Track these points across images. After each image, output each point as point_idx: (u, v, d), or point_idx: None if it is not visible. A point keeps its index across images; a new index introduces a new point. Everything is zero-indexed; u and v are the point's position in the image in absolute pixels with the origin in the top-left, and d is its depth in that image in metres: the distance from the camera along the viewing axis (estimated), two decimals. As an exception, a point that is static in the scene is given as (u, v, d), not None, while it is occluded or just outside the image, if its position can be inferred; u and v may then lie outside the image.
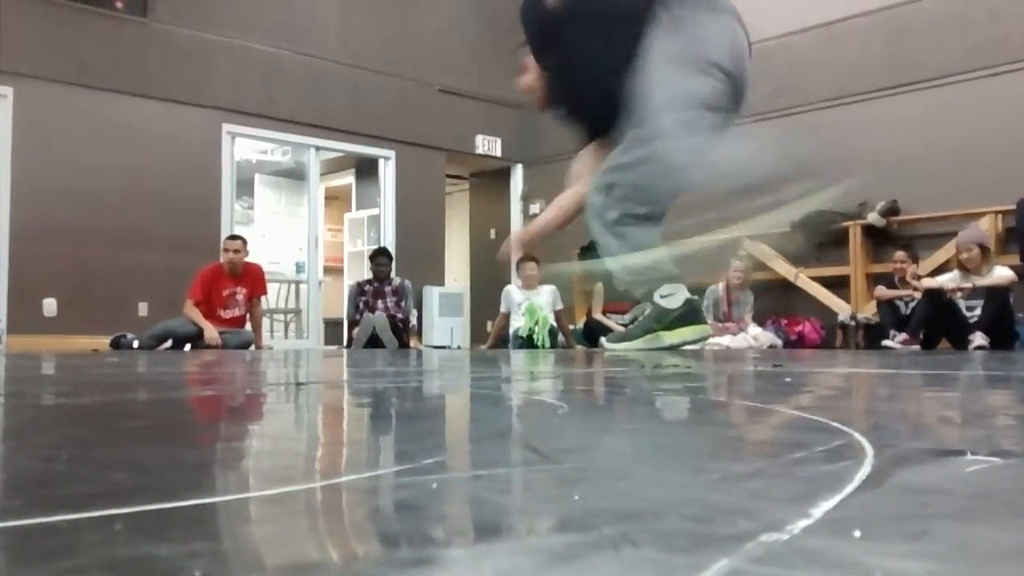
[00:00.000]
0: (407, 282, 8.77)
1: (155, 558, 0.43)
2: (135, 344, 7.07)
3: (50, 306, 8.14)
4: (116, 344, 7.12)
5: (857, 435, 0.90)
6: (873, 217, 8.10)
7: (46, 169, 8.15)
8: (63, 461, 0.80)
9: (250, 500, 0.63)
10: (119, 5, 8.74)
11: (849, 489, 0.60)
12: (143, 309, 8.43)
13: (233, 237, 7.68)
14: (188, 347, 7.17)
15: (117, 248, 8.41)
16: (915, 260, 7.47)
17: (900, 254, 7.47)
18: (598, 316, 8.50)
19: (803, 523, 0.49)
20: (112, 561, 0.42)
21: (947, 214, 7.70)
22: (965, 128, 7.80)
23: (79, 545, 0.46)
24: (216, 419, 1.39)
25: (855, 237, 8.21)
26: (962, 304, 6.78)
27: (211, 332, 7.11)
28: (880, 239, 8.22)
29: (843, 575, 0.40)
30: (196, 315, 7.20)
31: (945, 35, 7.99)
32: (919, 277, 7.26)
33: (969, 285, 6.75)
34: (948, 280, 6.91)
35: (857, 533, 0.48)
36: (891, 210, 8.10)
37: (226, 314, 7.39)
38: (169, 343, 7.20)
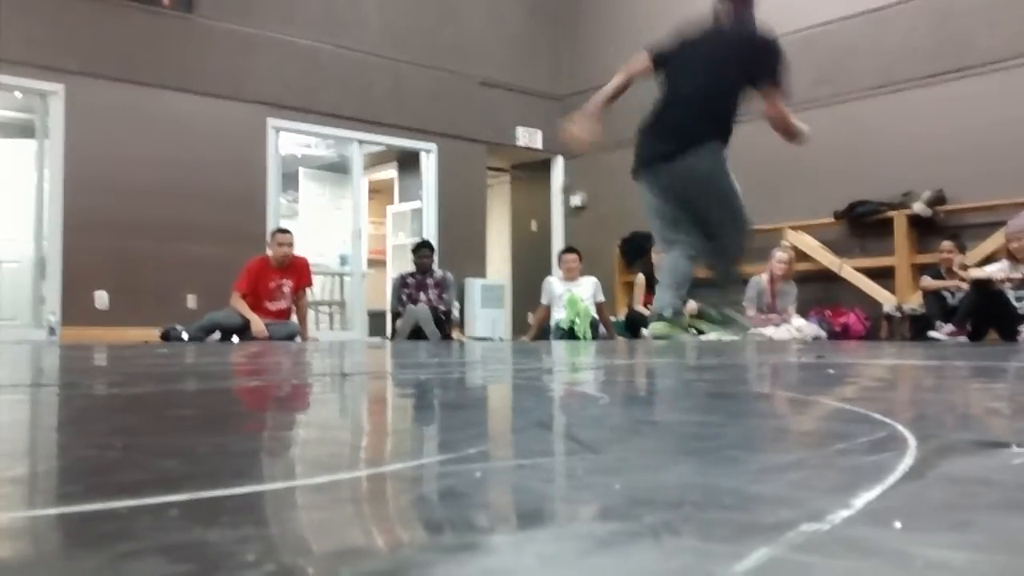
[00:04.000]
0: (449, 274, 8.80)
1: (208, 543, 0.44)
2: (184, 336, 7.19)
3: (101, 299, 8.29)
4: (166, 336, 7.24)
5: (900, 426, 0.90)
6: (919, 207, 7.95)
7: (96, 164, 8.29)
8: (118, 449, 0.83)
9: (298, 488, 0.64)
10: (165, 1, 8.86)
11: (891, 480, 0.60)
12: (191, 301, 8.55)
13: (284, 231, 7.75)
14: (235, 339, 7.26)
15: (166, 241, 8.54)
16: (962, 250, 7.32)
17: (946, 244, 7.33)
18: (639, 308, 8.47)
19: (844, 513, 0.49)
20: (167, 546, 0.44)
21: (995, 203, 7.54)
22: (1013, 115, 7.62)
23: (136, 530, 0.48)
24: (264, 409, 1.42)
25: (900, 227, 8.07)
26: (1011, 295, 6.64)
27: (258, 324, 7.19)
28: (926, 229, 8.07)
29: (884, 564, 0.40)
30: (243, 307, 7.29)
31: (995, 19, 7.81)
32: (966, 267, 7.12)
33: (1018, 275, 6.61)
34: (996, 270, 6.77)
35: (898, 523, 0.48)
36: (937, 199, 7.95)
37: (272, 306, 7.47)
38: (217, 335, 7.30)
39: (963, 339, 6.56)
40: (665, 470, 0.67)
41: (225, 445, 0.86)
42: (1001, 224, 7.05)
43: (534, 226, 12.17)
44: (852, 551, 0.42)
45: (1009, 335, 6.51)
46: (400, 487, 0.64)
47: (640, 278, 8.65)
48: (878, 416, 1.02)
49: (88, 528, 0.50)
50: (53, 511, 0.55)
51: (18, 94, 8.76)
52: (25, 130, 9.41)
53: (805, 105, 8.97)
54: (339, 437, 1.00)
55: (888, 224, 8.17)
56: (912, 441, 0.78)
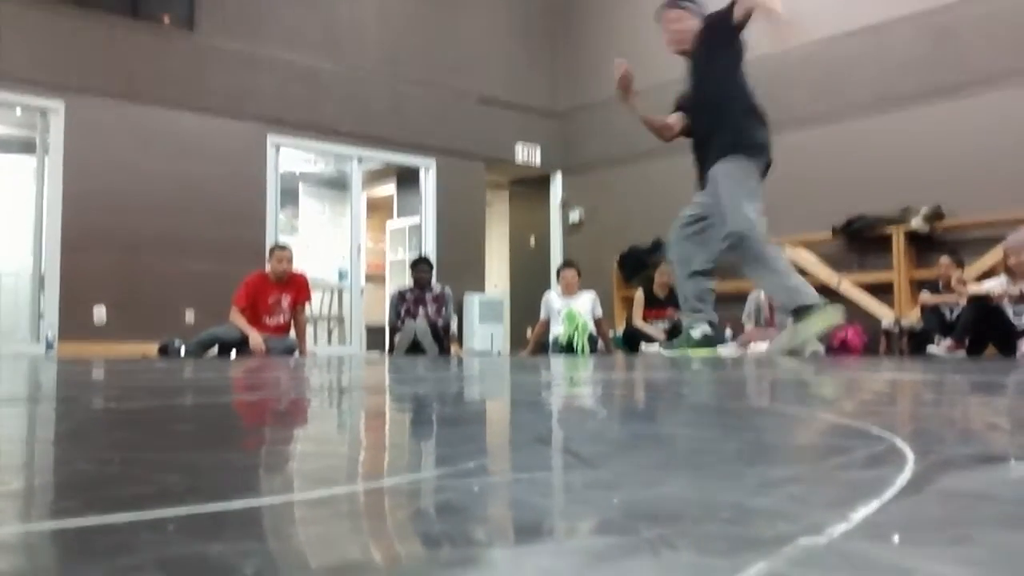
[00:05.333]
0: (448, 289, 8.81)
1: (208, 557, 0.44)
2: (182, 350, 7.17)
3: (100, 313, 8.29)
4: (164, 350, 7.23)
5: (899, 441, 0.90)
6: (917, 222, 7.97)
7: (96, 180, 8.31)
8: (117, 463, 0.83)
9: (297, 502, 0.64)
10: (166, 20, 8.90)
11: (890, 494, 0.60)
12: (190, 316, 8.55)
13: (283, 246, 7.75)
14: (233, 353, 7.25)
15: (165, 256, 8.55)
16: (960, 265, 7.34)
17: (945, 259, 7.35)
18: (638, 323, 8.47)
19: (842, 527, 0.49)
20: (167, 559, 0.44)
21: (993, 219, 7.56)
22: (1012, 131, 7.65)
23: (135, 544, 0.48)
24: (262, 423, 1.41)
25: (898, 242, 8.09)
26: (1010, 310, 6.65)
27: (256, 339, 7.18)
28: (924, 244, 8.09)
29: (881, 579, 0.40)
30: (241, 322, 7.28)
31: (992, 35, 7.85)
32: (964, 283, 7.13)
33: (1016, 291, 6.62)
34: (995, 285, 6.78)
35: (896, 538, 0.48)
36: (935, 215, 7.97)
37: (271, 321, 7.46)
38: (215, 349, 7.29)
39: (961, 354, 6.56)
40: (663, 484, 0.67)
41: (224, 459, 0.86)
42: (1000, 239, 7.06)
43: (532, 241, 12.18)
44: (850, 566, 0.42)
45: (1008, 350, 6.51)
46: (398, 501, 0.64)
47: (639, 293, 8.66)
48: (876, 430, 1.02)
49: (87, 542, 0.50)
50: (51, 525, 0.55)
51: (18, 110, 8.79)
52: (25, 146, 9.43)
53: (804, 120, 9.02)
54: (337, 451, 1.00)
55: (886, 239, 8.18)
56: (910, 455, 0.78)
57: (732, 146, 4.45)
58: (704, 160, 4.60)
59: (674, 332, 8.18)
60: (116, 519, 0.54)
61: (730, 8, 4.43)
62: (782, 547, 0.45)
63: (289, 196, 11.54)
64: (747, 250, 4.43)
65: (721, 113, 4.50)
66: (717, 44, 4.50)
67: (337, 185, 12.13)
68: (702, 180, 4.64)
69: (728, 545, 0.47)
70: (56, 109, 8.24)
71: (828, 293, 8.44)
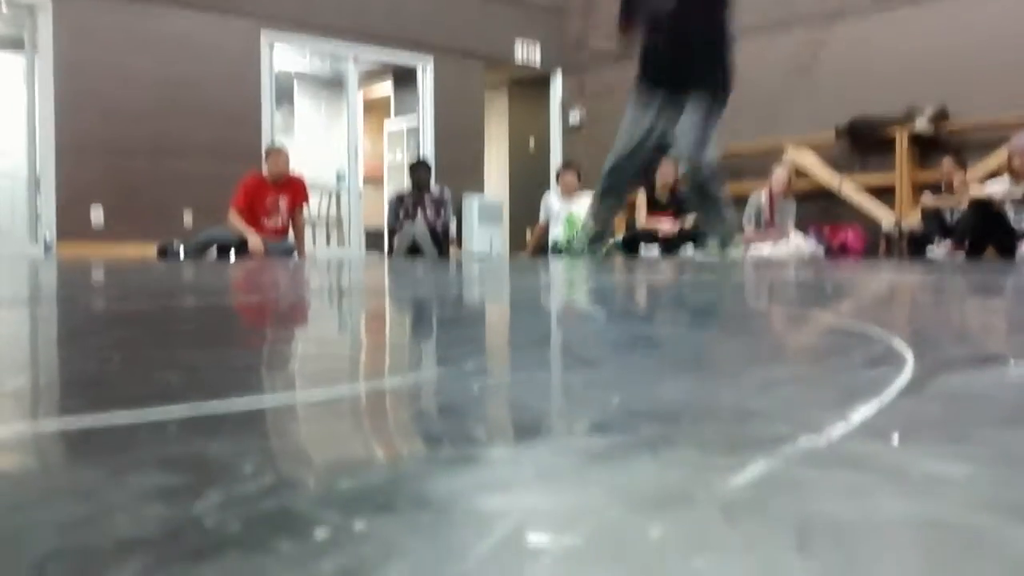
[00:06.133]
0: (446, 191, 8.75)
1: (208, 455, 0.44)
2: (181, 252, 7.17)
3: (97, 215, 8.26)
4: (164, 252, 7.23)
5: (898, 342, 0.90)
6: (920, 123, 7.86)
7: (88, 79, 8.16)
8: (118, 363, 0.83)
9: (297, 401, 0.64)
10: (154, -91, 8.60)
11: (889, 395, 0.60)
12: (188, 217, 8.52)
13: (279, 148, 7.68)
14: (233, 255, 7.25)
15: (161, 157, 8.47)
16: (963, 167, 7.26)
17: (948, 160, 7.27)
18: (642, 223, 8.43)
19: (841, 427, 0.50)
20: (167, 457, 0.44)
21: (1000, 120, 7.46)
22: (1020, 29, 7.48)
23: (136, 442, 0.48)
24: (262, 324, 1.42)
25: (901, 144, 7.99)
26: (1011, 212, 6.61)
27: (255, 240, 7.17)
28: (928, 146, 7.99)
29: (881, 478, 0.40)
30: (240, 224, 7.26)
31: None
32: (966, 183, 7.07)
33: (1020, 192, 6.58)
34: (998, 187, 6.73)
35: (896, 438, 0.48)
36: (940, 115, 7.85)
37: (269, 223, 7.44)
38: (214, 251, 7.28)
39: (960, 257, 6.56)
40: (663, 385, 0.67)
41: (225, 360, 0.87)
42: (1005, 141, 6.99)
43: (532, 144, 12.05)
44: (849, 465, 0.42)
45: (1007, 252, 6.51)
46: (399, 401, 0.64)
47: (641, 195, 8.60)
48: (876, 332, 1.02)
49: (87, 441, 0.50)
50: (52, 424, 0.55)
51: (3, 6, 8.56)
52: (15, 43, 9.23)
53: (810, 18, 8.81)
54: (338, 352, 1.00)
55: (890, 142, 8.09)
56: (910, 357, 0.79)
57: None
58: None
59: (683, 233, 8.15)
60: (117, 418, 0.54)
61: None
62: (781, 447, 0.45)
63: (284, 96, 11.37)
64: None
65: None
66: None
67: (333, 84, 11.93)
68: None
69: (728, 444, 0.47)
70: (44, 6, 8.03)
71: (830, 195, 8.41)
